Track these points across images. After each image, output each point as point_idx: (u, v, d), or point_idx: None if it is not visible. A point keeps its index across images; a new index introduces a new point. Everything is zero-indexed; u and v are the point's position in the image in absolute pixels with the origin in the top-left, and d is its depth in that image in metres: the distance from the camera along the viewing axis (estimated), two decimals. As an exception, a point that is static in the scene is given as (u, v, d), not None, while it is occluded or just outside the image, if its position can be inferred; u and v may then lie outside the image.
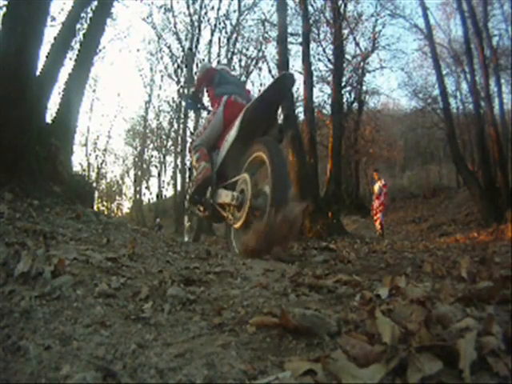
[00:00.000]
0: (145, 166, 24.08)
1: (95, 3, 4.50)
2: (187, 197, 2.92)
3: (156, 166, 23.92)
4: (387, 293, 1.04)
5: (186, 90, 15.63)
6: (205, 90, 3.11)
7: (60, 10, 8.28)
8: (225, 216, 2.53)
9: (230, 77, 3.09)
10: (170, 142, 20.73)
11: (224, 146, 2.57)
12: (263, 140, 2.24)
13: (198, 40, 16.59)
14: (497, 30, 13.59)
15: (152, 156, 23.76)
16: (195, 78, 2.93)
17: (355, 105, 16.40)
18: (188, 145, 3.45)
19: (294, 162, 8.20)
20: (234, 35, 16.15)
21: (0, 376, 0.65)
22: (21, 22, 2.56)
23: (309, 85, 9.84)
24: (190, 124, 15.49)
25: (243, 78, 16.40)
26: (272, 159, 2.05)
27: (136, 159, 24.25)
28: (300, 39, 10.97)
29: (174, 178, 20.32)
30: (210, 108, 3.17)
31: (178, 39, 16.90)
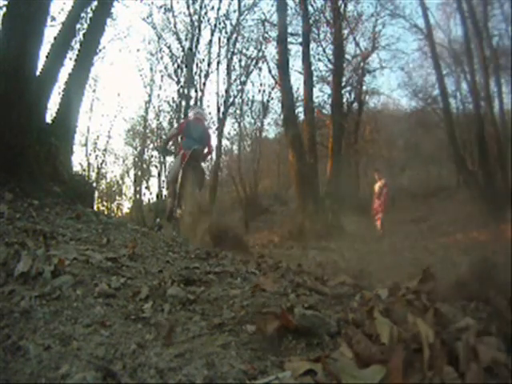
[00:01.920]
0: (145, 166, 24.04)
1: (95, 3, 4.50)
2: (167, 214, 4.84)
3: (156, 166, 23.86)
4: (387, 293, 1.04)
5: (188, 92, 15.67)
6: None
7: (60, 9, 8.24)
8: (180, 221, 4.36)
9: (193, 131, 4.61)
10: (169, 143, 20.67)
11: (177, 184, 4.35)
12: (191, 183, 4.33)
13: (198, 40, 16.52)
14: (497, 30, 13.54)
15: (152, 156, 23.70)
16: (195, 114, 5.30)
17: (355, 105, 16.38)
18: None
19: (294, 162, 8.19)
20: (234, 35, 16.10)
21: (0, 376, 0.65)
22: (21, 22, 2.56)
23: (309, 85, 9.82)
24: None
25: (243, 78, 16.38)
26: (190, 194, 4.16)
27: (136, 159, 24.20)
28: (300, 39, 10.93)
29: (173, 177, 20.23)
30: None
31: (178, 39, 16.83)
